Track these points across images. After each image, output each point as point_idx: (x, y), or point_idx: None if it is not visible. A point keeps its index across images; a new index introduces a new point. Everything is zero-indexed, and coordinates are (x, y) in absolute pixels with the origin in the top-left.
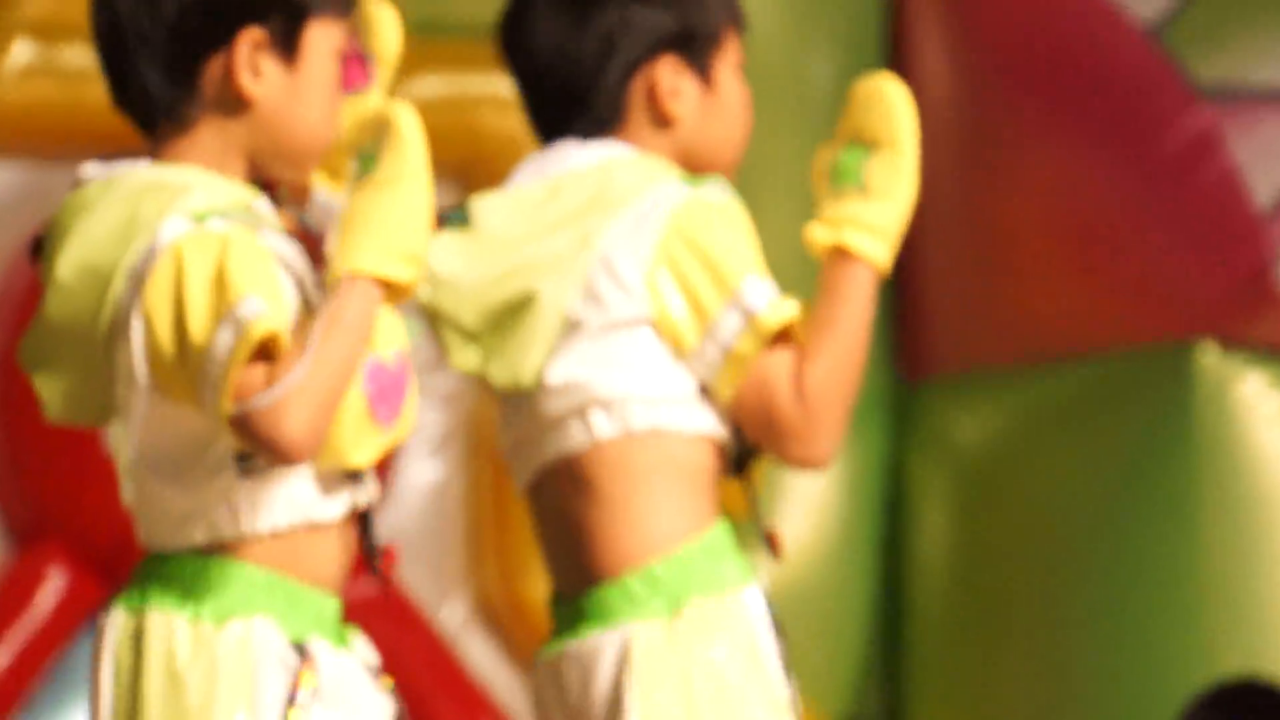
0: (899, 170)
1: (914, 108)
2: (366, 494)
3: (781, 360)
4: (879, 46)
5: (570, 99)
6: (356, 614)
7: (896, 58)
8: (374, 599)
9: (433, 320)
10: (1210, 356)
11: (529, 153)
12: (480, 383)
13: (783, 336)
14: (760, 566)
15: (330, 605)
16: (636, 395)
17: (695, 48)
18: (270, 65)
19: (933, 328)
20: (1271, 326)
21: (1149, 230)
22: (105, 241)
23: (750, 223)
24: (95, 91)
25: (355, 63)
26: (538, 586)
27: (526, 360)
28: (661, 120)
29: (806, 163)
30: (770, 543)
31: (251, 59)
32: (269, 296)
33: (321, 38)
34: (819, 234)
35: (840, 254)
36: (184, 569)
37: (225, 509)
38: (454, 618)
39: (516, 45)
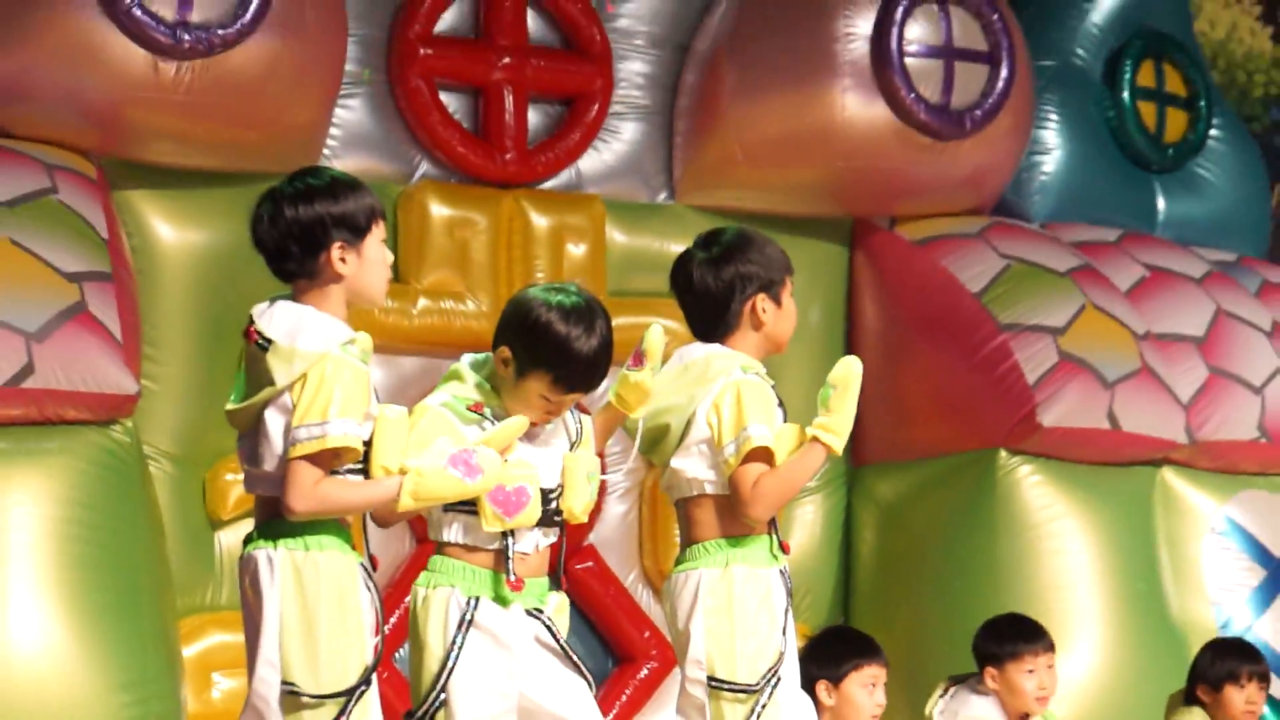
0: (843, 401)
1: (860, 366)
2: (534, 540)
3: (752, 469)
4: (844, 302)
5: (711, 315)
6: (585, 580)
7: (851, 307)
8: (593, 571)
9: (630, 433)
10: (1004, 458)
11: (676, 346)
12: (648, 462)
13: (760, 454)
14: (780, 557)
15: (488, 576)
16: (704, 478)
17: (774, 287)
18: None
19: (866, 443)
20: (1036, 442)
21: (975, 394)
22: None
23: (769, 391)
24: None
25: (636, 355)
26: (670, 563)
27: (665, 456)
28: (756, 326)
29: (808, 359)
30: (783, 547)
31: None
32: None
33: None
34: (809, 430)
35: (812, 438)
36: (433, 559)
37: (461, 528)
38: (632, 580)
39: (680, 286)
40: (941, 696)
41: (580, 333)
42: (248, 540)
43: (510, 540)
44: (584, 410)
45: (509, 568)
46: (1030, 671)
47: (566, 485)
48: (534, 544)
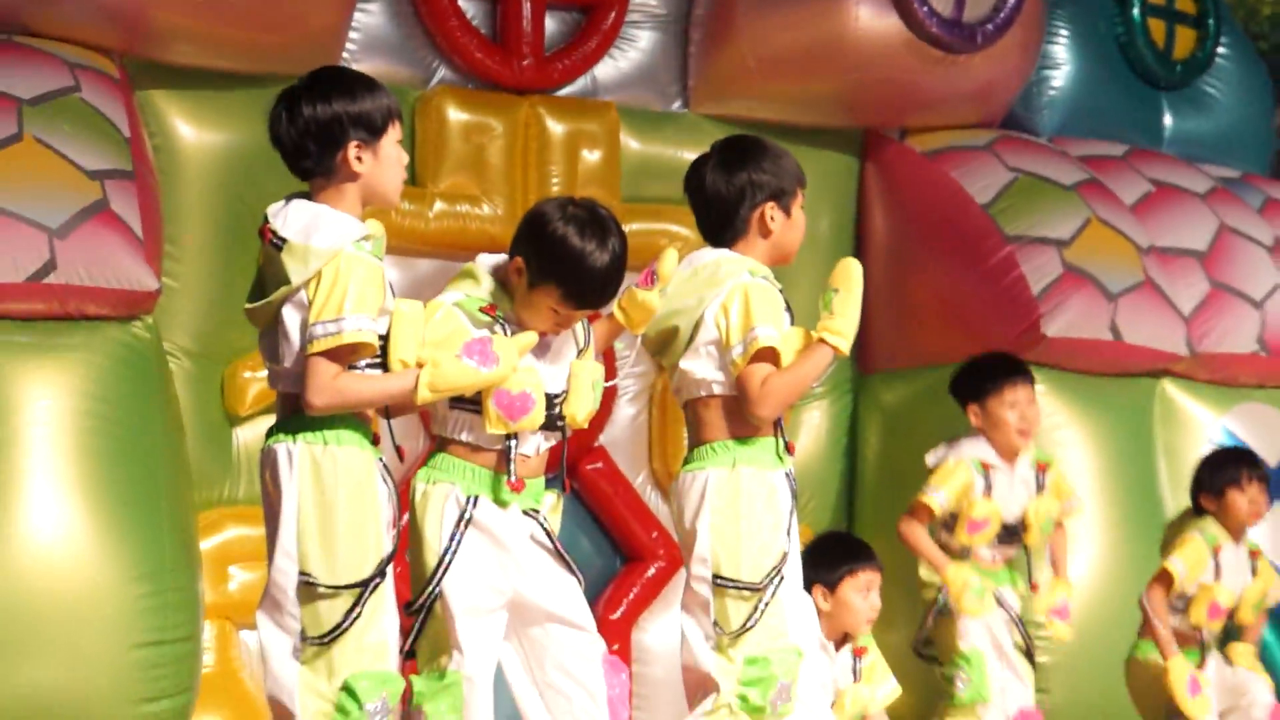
0: (846, 303)
1: (862, 270)
2: (536, 443)
3: (759, 369)
4: (853, 212)
5: (720, 219)
6: (595, 480)
7: (861, 217)
8: (603, 471)
9: (639, 337)
10: None
11: (688, 252)
12: (658, 365)
13: (767, 355)
14: (786, 459)
15: (488, 476)
16: (712, 379)
17: (784, 197)
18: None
19: (873, 350)
20: (1040, 352)
21: (981, 304)
22: None
23: (777, 294)
24: None
25: (648, 274)
26: (678, 465)
27: (674, 358)
28: (764, 234)
29: (818, 268)
30: (789, 448)
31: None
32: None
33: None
34: (815, 331)
35: (818, 339)
36: (434, 456)
37: (465, 427)
38: (640, 482)
39: (693, 188)
40: (936, 450)
41: (594, 248)
42: (269, 434)
43: (513, 442)
44: (593, 318)
45: (510, 469)
46: (1011, 405)
47: (571, 391)
48: (535, 447)
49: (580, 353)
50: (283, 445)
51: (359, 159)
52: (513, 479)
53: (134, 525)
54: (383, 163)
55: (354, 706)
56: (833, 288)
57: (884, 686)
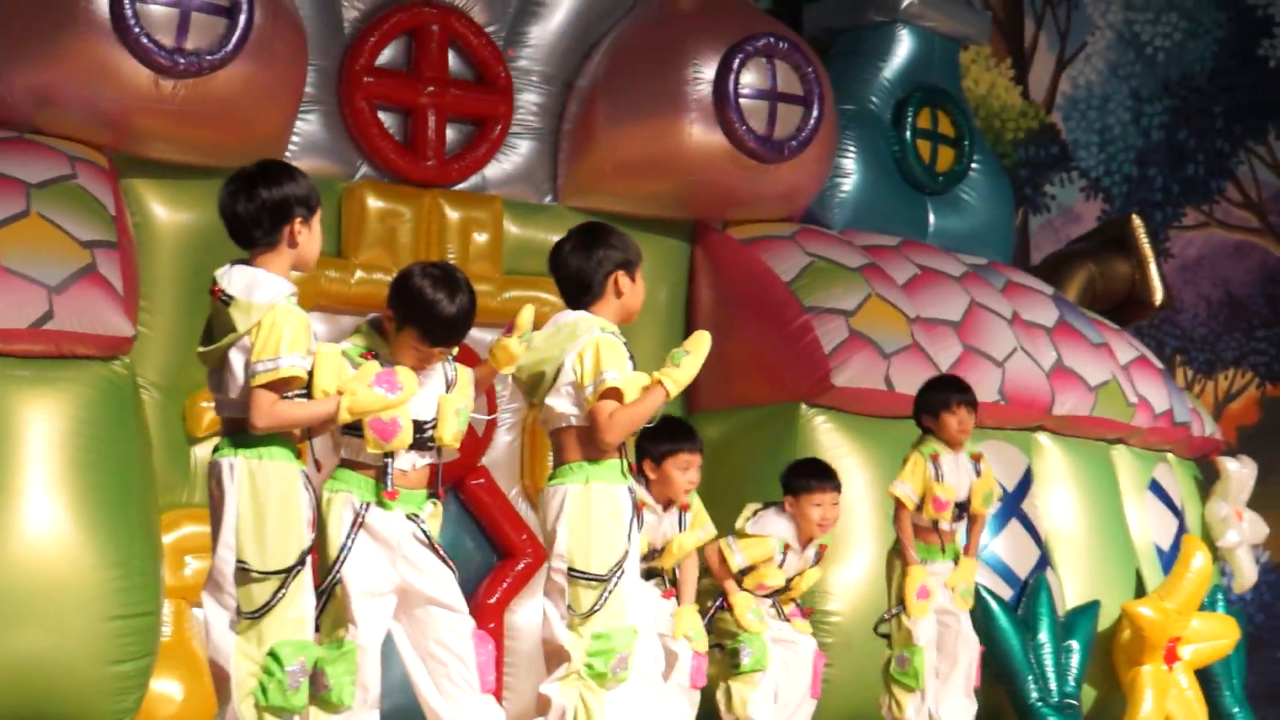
0: (689, 362)
1: (709, 340)
2: (411, 460)
3: (607, 404)
4: (685, 286)
5: (579, 287)
6: (479, 495)
7: (691, 289)
8: (484, 486)
9: (514, 379)
10: (804, 410)
11: (554, 314)
12: (529, 402)
13: (613, 394)
14: (628, 477)
15: (372, 485)
16: (571, 413)
17: (629, 267)
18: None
19: (698, 394)
20: (829, 398)
21: (784, 360)
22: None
23: (622, 346)
24: None
25: (509, 325)
26: (544, 480)
27: (541, 396)
28: (617, 295)
29: (658, 328)
30: (631, 468)
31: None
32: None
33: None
34: (656, 374)
35: (656, 381)
36: (337, 470)
37: (354, 449)
38: (514, 494)
39: (555, 265)
40: (752, 516)
41: (443, 298)
42: (215, 450)
43: (390, 460)
44: (471, 363)
45: (387, 480)
46: (818, 505)
47: (440, 419)
48: (411, 463)
49: (449, 387)
50: (225, 459)
51: (299, 232)
52: (389, 488)
53: (109, 522)
54: (313, 236)
55: (278, 668)
56: (684, 349)
57: (701, 531)
